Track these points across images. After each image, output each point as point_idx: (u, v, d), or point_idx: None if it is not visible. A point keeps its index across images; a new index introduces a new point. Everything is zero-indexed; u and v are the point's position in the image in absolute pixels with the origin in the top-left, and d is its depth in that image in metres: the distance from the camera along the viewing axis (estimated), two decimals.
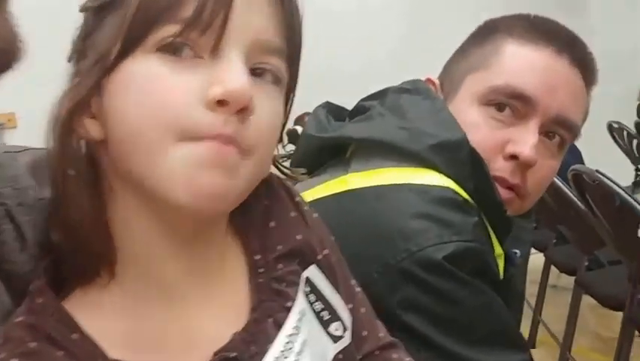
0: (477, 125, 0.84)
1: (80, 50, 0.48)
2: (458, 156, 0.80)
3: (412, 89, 0.88)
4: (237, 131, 0.45)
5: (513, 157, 0.83)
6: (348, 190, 0.81)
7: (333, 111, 0.94)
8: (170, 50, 0.46)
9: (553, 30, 0.88)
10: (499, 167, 0.84)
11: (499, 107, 0.84)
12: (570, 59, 0.86)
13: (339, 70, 3.73)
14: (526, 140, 0.83)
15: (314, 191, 0.85)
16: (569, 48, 0.87)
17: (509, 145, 0.84)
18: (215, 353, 0.48)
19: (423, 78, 0.93)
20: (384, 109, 0.87)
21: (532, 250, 3.03)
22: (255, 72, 0.48)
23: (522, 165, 0.83)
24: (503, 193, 0.84)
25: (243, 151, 0.46)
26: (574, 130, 0.88)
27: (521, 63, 0.85)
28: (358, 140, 0.86)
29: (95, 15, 0.48)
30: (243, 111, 0.45)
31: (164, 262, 0.49)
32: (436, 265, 0.71)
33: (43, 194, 0.54)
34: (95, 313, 0.48)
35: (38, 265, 0.50)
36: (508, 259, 0.87)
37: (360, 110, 0.91)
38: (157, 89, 0.45)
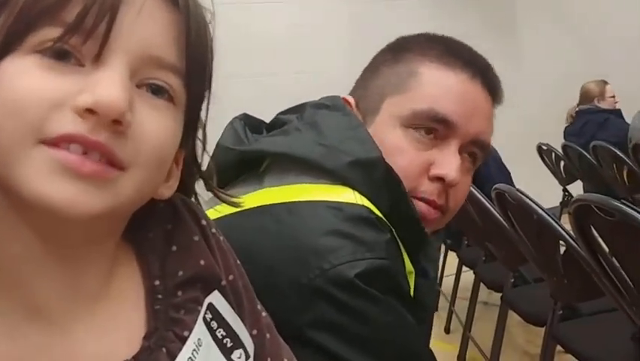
0: (402, 149, 0.86)
1: None
2: (373, 175, 0.81)
3: (331, 105, 0.89)
4: (109, 141, 0.43)
5: (439, 179, 0.86)
6: (261, 205, 0.80)
7: (252, 124, 0.93)
8: (51, 54, 0.44)
9: (467, 55, 0.90)
10: (426, 189, 0.86)
11: (425, 130, 0.86)
12: (482, 84, 0.89)
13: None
14: (450, 162, 0.86)
15: (224, 206, 0.84)
16: (482, 73, 0.90)
17: (434, 168, 0.86)
18: None
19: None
20: (302, 124, 0.87)
21: (463, 268, 3.10)
22: (149, 87, 0.47)
23: (446, 186, 0.86)
24: (431, 213, 0.86)
25: (117, 164, 0.44)
26: (487, 149, 0.92)
27: (442, 88, 0.87)
28: (274, 154, 0.85)
29: None
30: (116, 124, 0.43)
31: (40, 281, 0.46)
32: (349, 283, 0.71)
33: None
34: None
35: None
36: (422, 272, 0.88)
37: (278, 123, 0.91)
38: (24, 87, 0.43)
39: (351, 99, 0.93)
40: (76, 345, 0.47)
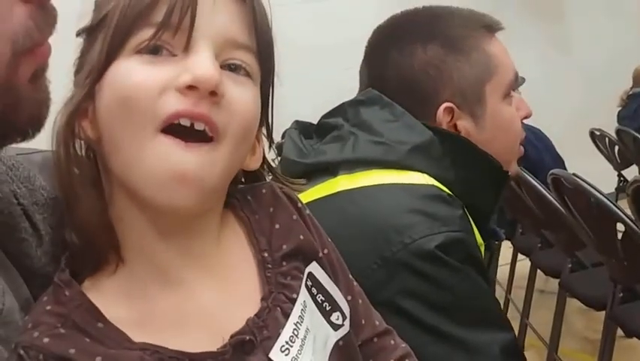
0: (513, 118, 1.00)
1: (79, 68, 0.56)
2: (432, 154, 0.90)
3: (366, 100, 0.96)
4: (210, 111, 0.52)
5: (525, 117, 1.04)
6: (339, 191, 0.88)
7: (303, 129, 1.01)
8: (148, 51, 0.53)
9: (486, 19, 1.02)
10: (522, 132, 1.04)
11: (511, 93, 0.99)
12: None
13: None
14: (523, 102, 1.04)
15: (303, 196, 0.91)
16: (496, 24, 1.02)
17: (521, 112, 1.03)
18: (232, 336, 0.53)
19: None
20: (351, 126, 0.94)
21: (519, 256, 3.10)
22: (229, 67, 0.55)
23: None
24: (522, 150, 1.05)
25: (217, 132, 0.52)
26: None
27: (506, 53, 1.00)
28: (343, 162, 0.93)
29: (88, 36, 0.56)
30: (213, 95, 0.52)
31: (160, 250, 0.55)
32: (429, 254, 0.79)
33: (54, 194, 0.60)
34: (107, 300, 0.53)
35: (56, 260, 0.56)
36: (493, 233, 0.97)
37: (327, 128, 0.98)
38: (132, 80, 0.52)
39: (450, 104, 0.96)
40: (199, 305, 0.55)
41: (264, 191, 0.63)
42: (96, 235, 0.54)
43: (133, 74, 0.52)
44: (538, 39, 5.09)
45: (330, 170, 0.93)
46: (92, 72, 0.53)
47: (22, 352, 0.49)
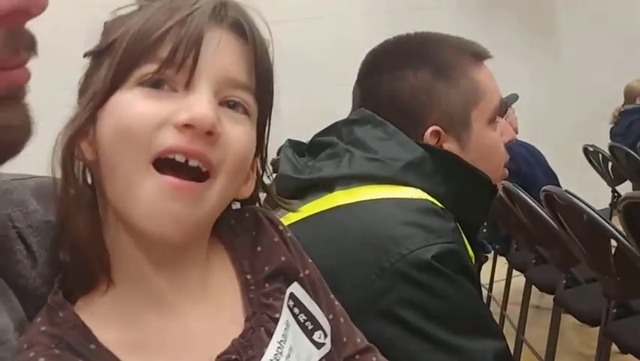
0: (497, 144, 1.04)
1: (83, 89, 0.57)
2: (424, 170, 0.94)
3: (359, 118, 0.99)
4: (205, 148, 0.53)
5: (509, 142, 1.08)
6: (339, 205, 0.91)
7: (295, 148, 1.04)
8: (150, 84, 0.54)
9: (474, 47, 1.05)
10: (506, 157, 1.08)
11: (496, 119, 1.04)
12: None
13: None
14: (508, 126, 1.09)
15: (300, 213, 0.93)
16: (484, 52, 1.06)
17: (505, 136, 1.07)
18: (219, 356, 0.55)
19: None
20: (346, 144, 0.97)
21: (514, 272, 3.11)
22: (227, 104, 0.57)
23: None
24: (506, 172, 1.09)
25: (211, 168, 0.54)
26: None
27: (492, 80, 1.05)
28: (339, 177, 0.95)
29: (94, 59, 0.57)
30: (209, 134, 0.53)
31: (151, 274, 0.56)
32: (426, 265, 0.82)
33: (48, 217, 0.61)
34: (99, 322, 0.54)
35: (50, 282, 0.57)
36: (481, 246, 1.00)
37: (320, 145, 1.01)
38: (132, 112, 0.53)
39: (436, 128, 1.00)
40: (187, 329, 0.57)
41: (246, 215, 0.64)
42: (89, 255, 0.55)
43: (134, 105, 0.53)
44: (531, 55, 5.14)
45: (326, 186, 0.95)
46: (95, 97, 0.55)
47: None
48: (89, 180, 0.57)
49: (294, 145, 1.04)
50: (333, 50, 4.38)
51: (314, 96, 4.12)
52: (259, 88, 0.59)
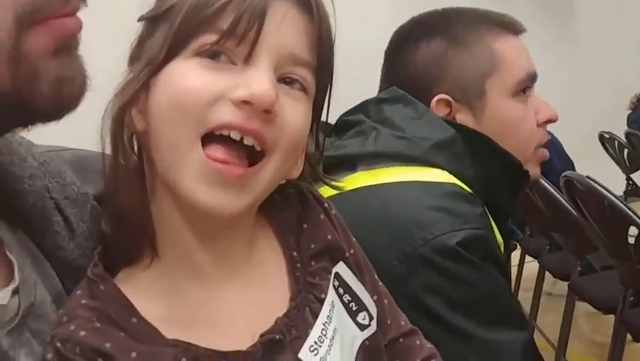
0: (523, 116, 0.98)
1: (135, 55, 0.56)
2: (454, 151, 0.91)
3: (390, 97, 0.96)
4: (262, 127, 0.52)
5: (546, 122, 1.02)
6: (359, 188, 0.88)
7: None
8: (208, 55, 0.52)
9: (497, 17, 1.02)
10: (542, 134, 1.01)
11: (523, 91, 0.99)
12: (515, 32, 1.02)
13: None
14: (542, 102, 1.02)
15: (321, 192, 0.91)
16: (512, 24, 1.03)
17: (540, 115, 1.00)
18: (262, 335, 0.54)
19: None
20: (374, 122, 0.94)
21: (527, 258, 3.10)
22: (284, 80, 0.55)
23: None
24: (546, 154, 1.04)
25: (266, 147, 0.53)
26: None
27: (518, 52, 1.00)
28: (362, 155, 0.92)
29: (149, 24, 0.55)
30: (267, 113, 0.52)
31: (196, 248, 0.55)
32: (451, 251, 0.79)
33: (84, 189, 0.60)
34: (141, 295, 0.53)
35: (87, 254, 0.56)
36: (510, 232, 0.97)
37: (347, 124, 0.98)
38: (189, 83, 0.52)
39: (444, 96, 0.97)
40: (229, 304, 0.56)
41: (291, 191, 0.62)
42: (135, 225, 0.54)
43: (190, 76, 0.52)
44: (548, 41, 5.08)
45: (348, 164, 0.92)
46: (149, 64, 0.53)
47: (59, 344, 0.49)
48: (137, 150, 0.56)
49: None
50: (350, 42, 4.33)
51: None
52: (320, 66, 0.57)
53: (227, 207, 0.52)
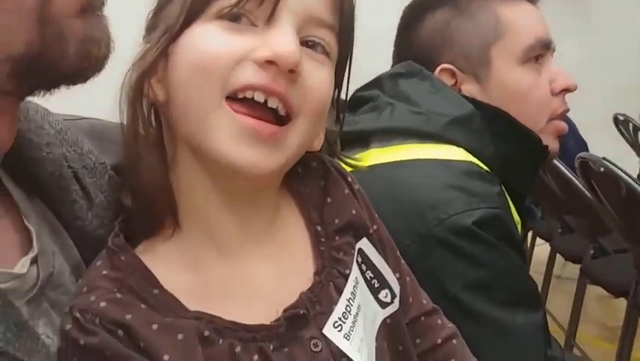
0: (533, 85, 0.94)
1: (152, 24, 0.55)
2: (472, 127, 0.88)
3: (406, 72, 0.94)
4: (286, 89, 0.51)
5: (563, 91, 0.97)
6: (372, 165, 0.85)
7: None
8: (228, 18, 0.51)
9: None
10: (558, 104, 0.97)
11: (534, 58, 0.95)
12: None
13: None
14: (561, 72, 0.97)
15: None
16: None
17: (556, 82, 0.96)
18: (285, 310, 0.53)
19: None
20: (389, 97, 0.92)
21: (538, 241, 3.08)
22: (306, 44, 0.53)
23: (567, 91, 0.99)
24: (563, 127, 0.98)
25: (291, 111, 0.51)
26: None
27: (528, 18, 0.96)
28: (376, 131, 0.90)
29: None
30: (291, 73, 0.50)
31: (219, 217, 0.54)
32: (466, 230, 0.77)
33: (102, 159, 0.59)
34: (163, 266, 0.53)
35: (106, 224, 0.55)
36: (529, 211, 0.94)
37: (362, 100, 0.95)
38: (211, 46, 0.51)
39: (448, 66, 0.95)
40: (252, 276, 0.55)
41: (314, 164, 0.61)
42: (155, 196, 0.53)
43: (212, 39, 0.51)
44: (564, 23, 5.01)
45: (362, 141, 0.90)
46: (168, 31, 0.52)
47: (78, 315, 0.49)
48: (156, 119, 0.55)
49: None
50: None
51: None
52: (342, 29, 0.55)
53: (262, 165, 0.51)
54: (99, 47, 0.50)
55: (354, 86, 0.94)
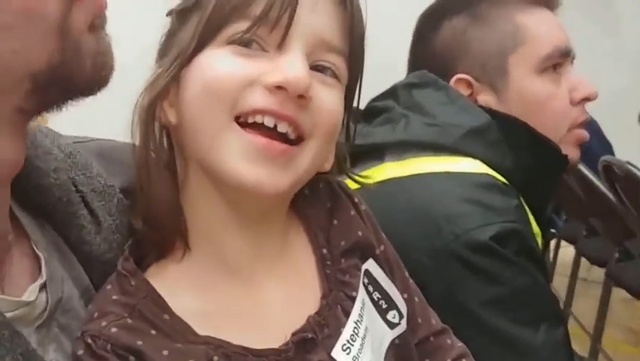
0: (551, 95, 0.92)
1: (164, 49, 0.56)
2: (488, 138, 0.86)
3: (420, 82, 0.92)
4: (296, 113, 0.51)
5: (583, 100, 0.94)
6: (387, 179, 0.84)
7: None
8: (240, 43, 0.52)
9: None
10: (578, 114, 0.94)
11: (552, 67, 0.92)
12: (549, 5, 0.97)
13: None
14: (582, 80, 0.94)
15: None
16: None
17: (576, 92, 0.93)
18: (294, 333, 0.53)
19: None
20: (404, 108, 0.90)
21: (563, 243, 3.04)
22: (317, 68, 0.54)
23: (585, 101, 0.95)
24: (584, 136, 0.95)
25: (302, 134, 0.52)
26: None
27: (547, 26, 0.94)
28: (393, 143, 0.89)
29: (179, 17, 0.55)
30: (301, 98, 0.51)
31: (231, 239, 0.54)
32: (483, 246, 0.76)
33: (110, 181, 0.59)
34: (173, 290, 0.53)
35: (115, 248, 0.56)
36: (550, 222, 0.92)
37: (376, 111, 0.94)
38: (222, 69, 0.51)
39: (464, 76, 0.93)
40: (262, 300, 0.55)
41: (320, 185, 0.61)
42: (166, 219, 0.54)
43: (223, 63, 0.51)
44: (586, 21, 4.95)
45: (376, 154, 0.89)
46: (180, 56, 0.53)
47: (89, 340, 0.49)
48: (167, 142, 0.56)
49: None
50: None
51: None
52: (352, 54, 0.56)
53: (273, 184, 0.51)
54: (112, 59, 0.51)
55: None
